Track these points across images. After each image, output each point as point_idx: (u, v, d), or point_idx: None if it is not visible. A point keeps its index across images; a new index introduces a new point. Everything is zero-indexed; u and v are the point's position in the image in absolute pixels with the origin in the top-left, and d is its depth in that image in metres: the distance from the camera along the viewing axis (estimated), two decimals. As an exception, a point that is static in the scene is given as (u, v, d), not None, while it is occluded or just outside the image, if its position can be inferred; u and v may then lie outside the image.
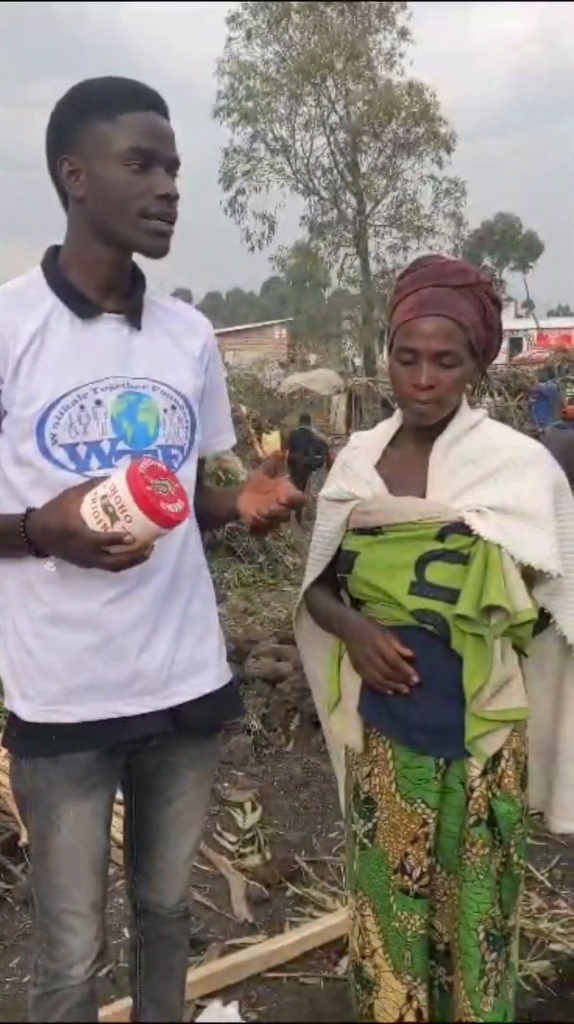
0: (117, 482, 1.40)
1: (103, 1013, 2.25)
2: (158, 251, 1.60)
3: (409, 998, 1.81)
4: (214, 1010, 1.56)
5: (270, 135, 29.01)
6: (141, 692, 1.65)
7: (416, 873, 1.78)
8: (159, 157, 1.55)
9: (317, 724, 4.30)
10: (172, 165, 1.58)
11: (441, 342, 1.69)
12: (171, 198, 1.57)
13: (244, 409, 12.62)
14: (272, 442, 12.18)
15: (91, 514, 1.40)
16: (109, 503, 1.39)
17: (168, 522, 1.41)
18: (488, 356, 1.80)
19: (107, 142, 1.53)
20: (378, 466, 1.84)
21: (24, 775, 1.67)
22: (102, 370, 1.59)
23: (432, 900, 1.81)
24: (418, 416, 1.76)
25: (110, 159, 1.53)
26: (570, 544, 1.77)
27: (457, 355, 1.70)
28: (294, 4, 27.77)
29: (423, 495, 1.76)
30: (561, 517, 1.76)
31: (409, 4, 28.84)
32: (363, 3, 28.30)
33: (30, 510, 1.51)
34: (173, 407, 1.67)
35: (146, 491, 1.37)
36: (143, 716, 1.66)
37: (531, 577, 1.73)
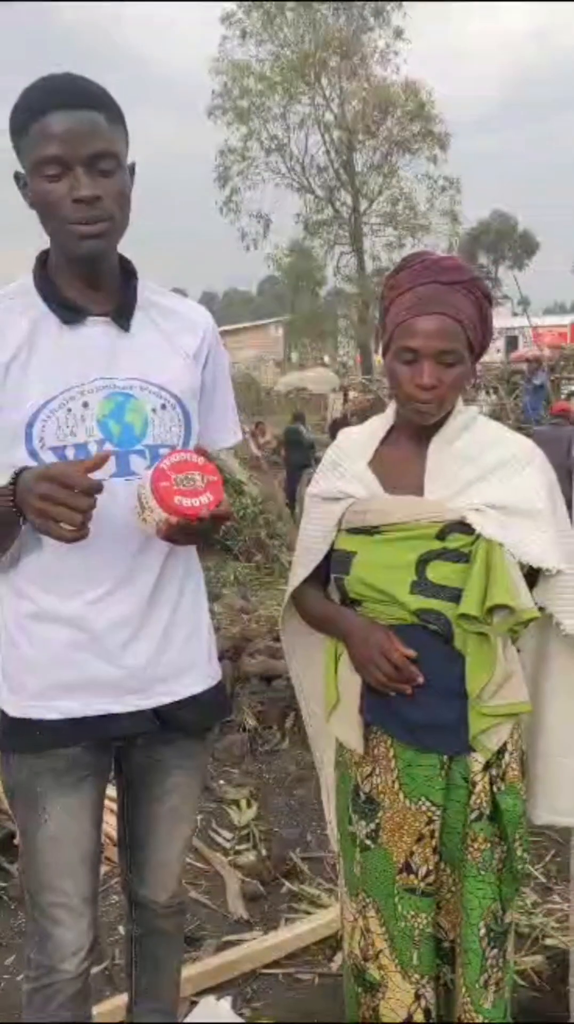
0: (146, 474, 1.51)
1: (99, 1009, 2.26)
2: (88, 255, 1.57)
3: (417, 997, 1.81)
4: (208, 1005, 1.57)
5: (264, 134, 29.00)
6: (126, 691, 1.66)
7: (422, 871, 1.78)
8: (71, 158, 1.49)
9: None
10: (94, 160, 1.50)
11: (443, 341, 1.68)
12: (86, 200, 1.50)
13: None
14: None
15: (134, 503, 1.53)
16: (140, 493, 1.51)
17: (183, 516, 1.47)
18: (482, 353, 1.79)
19: (26, 157, 1.53)
20: (371, 464, 1.84)
21: (12, 769, 1.69)
22: (88, 373, 1.60)
23: (438, 898, 1.81)
24: (420, 415, 1.75)
25: (32, 173, 1.52)
26: (565, 543, 1.78)
27: (458, 353, 1.70)
28: (288, 3, 27.76)
29: (420, 493, 1.76)
30: (554, 515, 1.77)
31: (404, 3, 28.84)
32: (358, 3, 28.28)
33: (23, 468, 1.47)
34: (163, 406, 1.67)
35: (161, 487, 1.47)
36: (128, 714, 1.67)
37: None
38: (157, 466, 1.49)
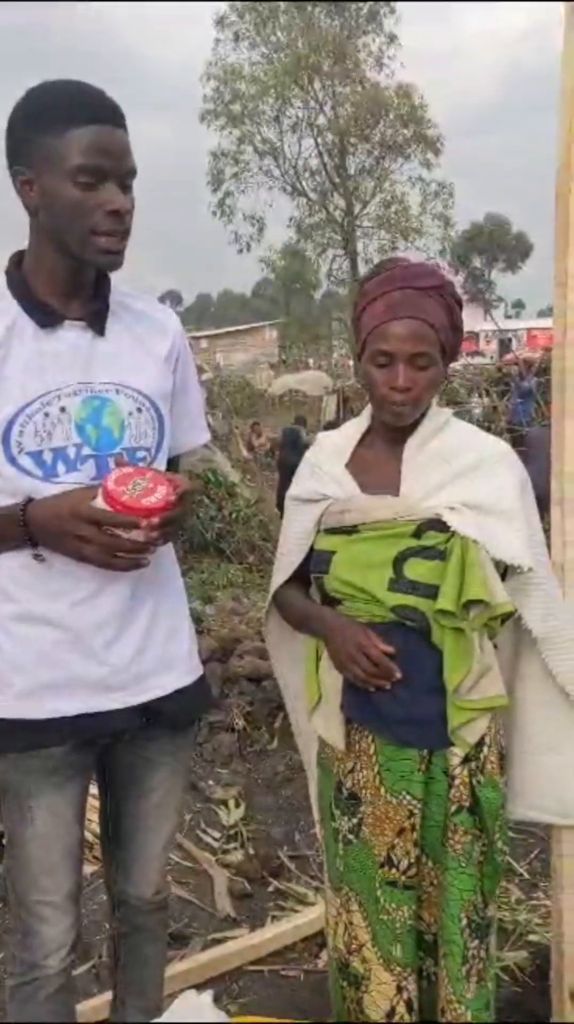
0: (99, 504, 1.52)
1: (84, 1007, 2.28)
2: (109, 267, 1.62)
3: (399, 989, 1.83)
4: (189, 999, 1.58)
5: (258, 137, 29.08)
6: (111, 688, 1.68)
7: (403, 864, 1.80)
8: (109, 172, 1.53)
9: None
10: (125, 177, 1.57)
11: (416, 344, 1.72)
12: (121, 214, 1.56)
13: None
14: None
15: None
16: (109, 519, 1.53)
17: (155, 512, 1.51)
18: (454, 356, 1.83)
19: (55, 159, 1.51)
20: (348, 465, 1.87)
21: None
22: (66, 377, 1.61)
23: (419, 891, 1.83)
24: (395, 417, 1.78)
25: (59, 176, 1.52)
26: (535, 542, 1.81)
27: (431, 356, 1.74)
28: (282, 5, 27.83)
29: (396, 494, 1.79)
30: (526, 515, 1.80)
31: (398, 7, 28.95)
32: (352, 6, 28.36)
33: (30, 499, 1.56)
34: (139, 409, 1.69)
35: (124, 503, 1.50)
36: (114, 712, 1.69)
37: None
38: (104, 490, 1.51)
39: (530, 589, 1.80)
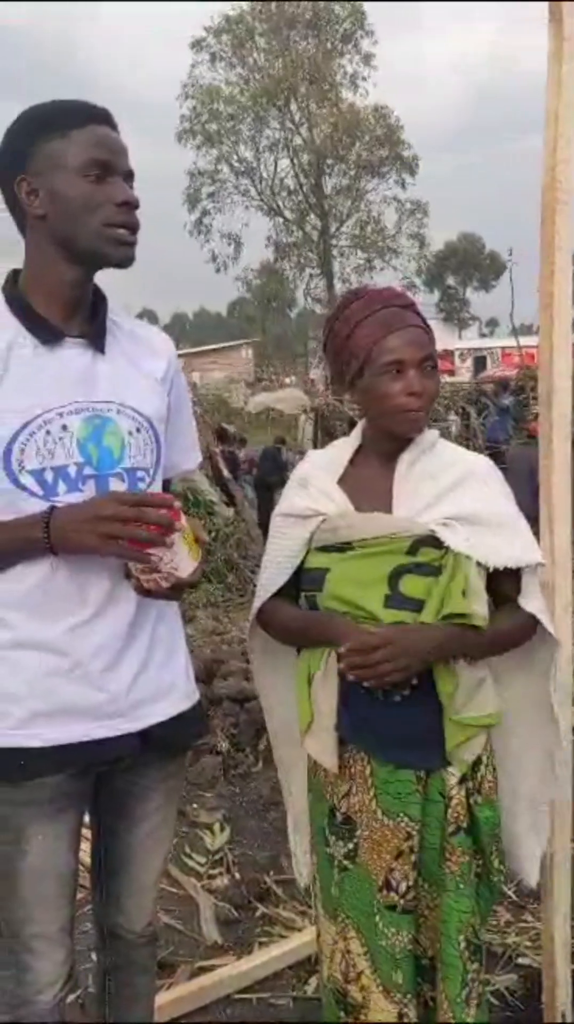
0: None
1: (72, 1039, 2.23)
2: (123, 260, 1.63)
3: (400, 1016, 1.80)
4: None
5: (234, 157, 29.32)
6: (109, 715, 1.64)
7: (402, 888, 1.78)
8: (115, 167, 1.59)
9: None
10: (128, 176, 1.62)
11: (421, 349, 1.77)
12: (132, 205, 1.60)
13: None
14: None
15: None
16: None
17: (171, 525, 1.52)
18: None
19: (63, 157, 1.56)
20: (340, 483, 1.87)
21: None
22: (67, 395, 1.59)
23: (417, 914, 1.82)
24: (410, 425, 1.79)
25: (68, 173, 1.56)
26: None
27: (434, 359, 1.79)
28: (259, 27, 28.12)
29: (388, 511, 1.79)
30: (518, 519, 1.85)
31: (373, 29, 29.31)
32: (328, 27, 28.68)
33: (53, 506, 1.54)
34: (138, 429, 1.67)
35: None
36: (111, 739, 1.65)
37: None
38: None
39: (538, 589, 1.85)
